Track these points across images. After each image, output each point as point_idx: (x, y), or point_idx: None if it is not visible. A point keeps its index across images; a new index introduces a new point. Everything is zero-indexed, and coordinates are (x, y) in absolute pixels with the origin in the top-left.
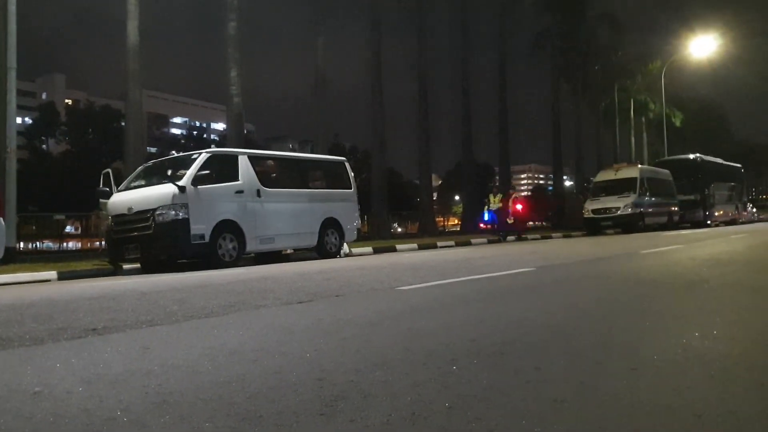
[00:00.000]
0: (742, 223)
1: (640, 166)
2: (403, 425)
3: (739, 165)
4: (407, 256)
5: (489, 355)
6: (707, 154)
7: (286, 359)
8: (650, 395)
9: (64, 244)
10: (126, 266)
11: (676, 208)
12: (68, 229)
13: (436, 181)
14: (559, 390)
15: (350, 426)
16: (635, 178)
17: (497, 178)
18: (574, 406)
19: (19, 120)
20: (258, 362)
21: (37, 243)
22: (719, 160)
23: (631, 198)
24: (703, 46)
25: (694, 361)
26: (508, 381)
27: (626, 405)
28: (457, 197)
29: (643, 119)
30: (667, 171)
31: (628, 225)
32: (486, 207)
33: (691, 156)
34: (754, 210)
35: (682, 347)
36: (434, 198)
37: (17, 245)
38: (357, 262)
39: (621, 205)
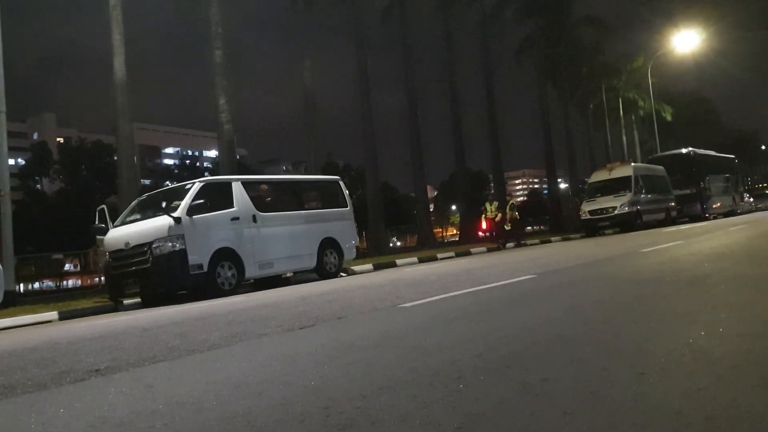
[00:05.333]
0: (740, 213)
1: (633, 164)
2: None
3: (732, 156)
4: (408, 270)
5: (496, 370)
6: (700, 147)
7: (290, 389)
8: (660, 400)
9: (64, 282)
10: (126, 301)
11: (673, 204)
12: (67, 267)
13: (432, 193)
14: (569, 401)
15: None
16: (630, 177)
17: (492, 186)
18: (584, 417)
19: (11, 161)
20: (263, 394)
21: (37, 283)
22: (713, 153)
23: (627, 197)
24: (687, 40)
25: (701, 361)
26: (516, 395)
27: (637, 413)
28: (454, 207)
29: (633, 117)
30: (661, 167)
31: (626, 224)
32: (483, 216)
33: (684, 150)
34: (752, 199)
35: (689, 347)
36: (431, 209)
37: (17, 287)
38: (358, 281)
39: (617, 204)
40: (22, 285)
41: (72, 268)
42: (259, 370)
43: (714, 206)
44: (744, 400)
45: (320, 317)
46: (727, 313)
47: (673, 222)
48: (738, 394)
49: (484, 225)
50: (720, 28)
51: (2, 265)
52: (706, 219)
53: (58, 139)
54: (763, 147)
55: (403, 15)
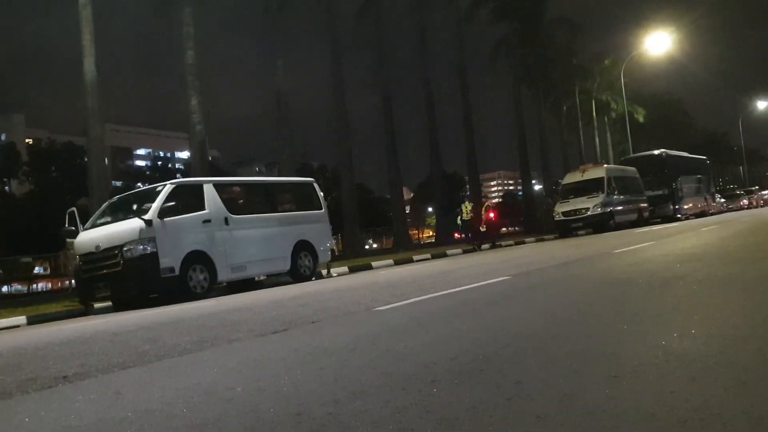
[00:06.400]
0: (712, 214)
1: (606, 165)
2: None
3: (704, 157)
4: (383, 273)
5: (469, 373)
6: (672, 148)
7: (262, 395)
8: (633, 403)
9: (34, 285)
10: (97, 305)
11: (645, 205)
12: (37, 270)
13: (408, 194)
14: (542, 405)
15: None
16: (602, 178)
17: (468, 187)
18: (557, 421)
19: None
20: (234, 401)
21: (6, 287)
22: (685, 154)
23: (600, 198)
24: (658, 42)
25: (674, 363)
26: (490, 399)
27: (610, 416)
28: (430, 209)
29: (606, 119)
30: (633, 168)
31: (599, 225)
32: (459, 217)
33: (657, 151)
34: (723, 200)
35: (662, 349)
36: (407, 211)
37: None
38: (332, 284)
39: (590, 205)
40: None
41: (42, 271)
42: (231, 376)
43: (686, 207)
44: (716, 402)
45: (293, 321)
46: (699, 315)
47: (646, 223)
48: (710, 397)
49: (460, 226)
50: (690, 30)
51: None
52: (678, 220)
53: (27, 140)
54: (735, 148)
55: (378, 16)
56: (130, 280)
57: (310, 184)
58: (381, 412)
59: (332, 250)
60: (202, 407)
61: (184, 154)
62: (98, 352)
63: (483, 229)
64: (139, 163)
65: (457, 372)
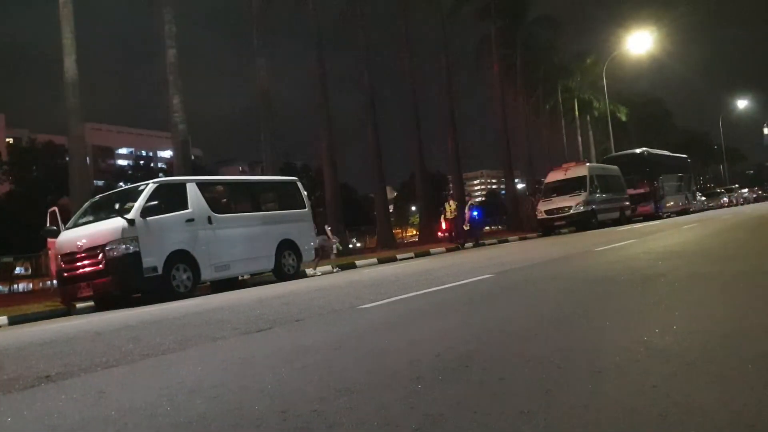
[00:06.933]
0: (693, 212)
1: (588, 164)
2: None
3: (685, 156)
4: (367, 272)
5: (453, 370)
6: (654, 147)
7: (247, 393)
8: (615, 399)
9: (15, 286)
10: (79, 305)
11: (627, 203)
12: (18, 270)
13: (392, 194)
14: (525, 401)
15: None
16: (585, 177)
17: (451, 186)
18: (540, 416)
19: None
20: (218, 399)
21: None
22: (666, 153)
23: (582, 196)
24: (639, 42)
25: (656, 358)
26: (474, 395)
27: (592, 411)
28: (413, 208)
29: (589, 118)
30: (615, 167)
31: (582, 223)
32: (443, 216)
33: (638, 150)
34: (704, 198)
35: (644, 345)
36: (391, 210)
37: None
38: (316, 283)
39: (573, 204)
40: None
41: (23, 271)
42: (215, 375)
43: (667, 205)
44: (697, 397)
45: (277, 320)
46: (680, 311)
47: (628, 221)
48: (692, 391)
49: (443, 225)
50: (671, 29)
51: None
52: (660, 218)
53: (7, 139)
54: (716, 147)
55: (362, 15)
56: (113, 279)
57: (293, 182)
58: (366, 408)
59: (315, 250)
60: (186, 406)
61: (167, 154)
62: (81, 352)
63: (467, 227)
64: (121, 162)
65: (441, 369)
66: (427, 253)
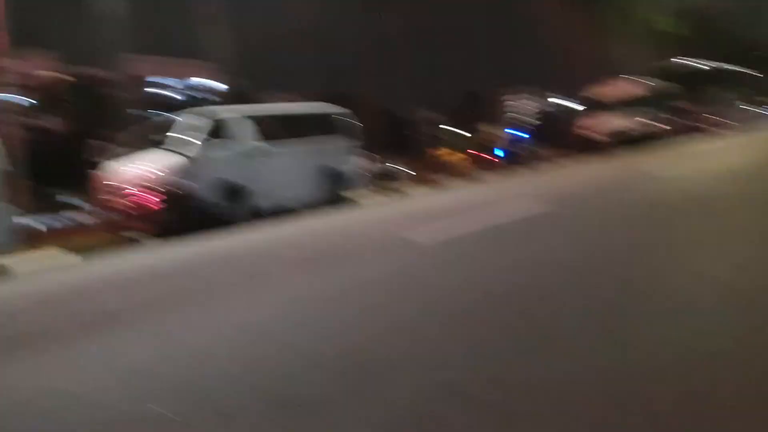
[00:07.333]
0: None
1: (645, 80)
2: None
3: (745, 69)
4: (418, 201)
5: (504, 305)
6: (713, 61)
7: (302, 331)
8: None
9: (66, 220)
10: (136, 238)
11: (689, 122)
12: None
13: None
14: (579, 341)
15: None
16: (641, 94)
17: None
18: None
19: None
20: (275, 339)
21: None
22: (737, 68)
23: (642, 112)
24: None
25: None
26: (523, 330)
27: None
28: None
29: (640, 30)
30: (675, 84)
31: (640, 142)
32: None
33: (706, 65)
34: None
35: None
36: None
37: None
38: (366, 215)
39: (629, 122)
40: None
41: (77, 203)
42: (271, 313)
43: (730, 121)
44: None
45: (336, 254)
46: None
47: (689, 139)
48: (740, 323)
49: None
50: None
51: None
52: (724, 136)
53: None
54: None
55: None
56: (170, 212)
57: (339, 112)
58: (423, 347)
59: (376, 175)
60: (255, 342)
61: (208, 82)
62: (145, 292)
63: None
64: (162, 92)
65: (491, 304)
66: (478, 180)
